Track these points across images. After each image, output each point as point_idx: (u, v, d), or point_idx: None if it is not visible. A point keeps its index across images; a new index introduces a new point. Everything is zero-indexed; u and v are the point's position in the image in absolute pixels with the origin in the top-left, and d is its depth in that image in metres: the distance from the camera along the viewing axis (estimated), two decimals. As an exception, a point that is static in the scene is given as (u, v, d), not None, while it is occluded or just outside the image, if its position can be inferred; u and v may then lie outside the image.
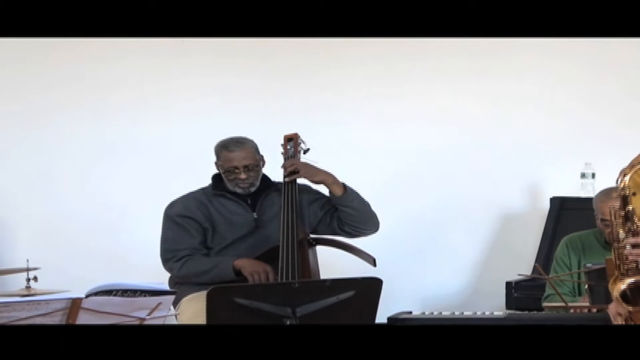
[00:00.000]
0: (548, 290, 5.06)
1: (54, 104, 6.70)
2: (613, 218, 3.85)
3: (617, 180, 3.83)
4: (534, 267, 5.77)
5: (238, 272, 4.98)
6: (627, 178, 3.77)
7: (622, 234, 3.82)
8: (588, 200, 5.45)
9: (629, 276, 3.80)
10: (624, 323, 3.85)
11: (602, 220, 4.86)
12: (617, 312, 3.89)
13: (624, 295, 3.78)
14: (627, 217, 3.79)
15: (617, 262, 3.84)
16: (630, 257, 3.80)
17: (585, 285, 4.79)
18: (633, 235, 3.80)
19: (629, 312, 3.82)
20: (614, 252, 3.86)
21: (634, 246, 3.78)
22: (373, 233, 5.24)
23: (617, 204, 3.83)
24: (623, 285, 3.78)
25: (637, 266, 3.80)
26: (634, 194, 3.79)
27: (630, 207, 3.78)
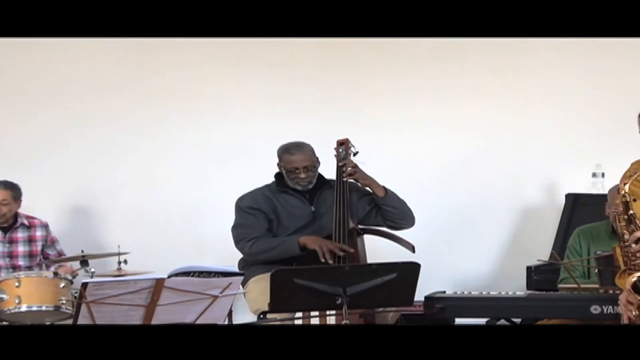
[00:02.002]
0: (562, 274, 5.01)
1: (143, 109, 6.73)
2: (617, 222, 3.79)
3: (618, 190, 3.76)
4: (551, 253, 5.70)
5: (302, 248, 4.99)
6: (626, 187, 3.71)
7: (627, 235, 3.75)
8: (598, 196, 5.39)
9: (636, 270, 3.70)
10: (635, 312, 3.74)
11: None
12: (627, 301, 3.77)
13: (635, 287, 3.68)
14: (630, 221, 3.73)
15: (624, 259, 3.76)
16: (638, 254, 3.71)
17: (595, 270, 4.73)
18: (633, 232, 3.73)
19: None
20: (621, 251, 3.78)
21: (637, 242, 3.71)
22: (410, 227, 5.24)
23: (620, 209, 3.76)
24: (634, 278, 3.68)
25: None
26: (634, 200, 3.73)
27: (631, 212, 3.71)
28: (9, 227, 5.98)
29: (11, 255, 5.96)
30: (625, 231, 3.74)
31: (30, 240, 6.03)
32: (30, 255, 6.01)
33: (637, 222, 3.71)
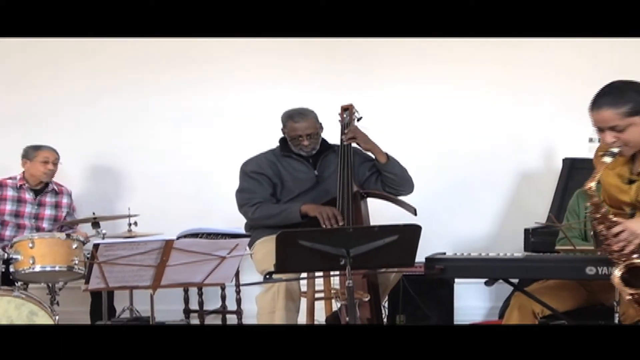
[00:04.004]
0: (560, 235, 5.01)
1: (152, 76, 6.76)
2: (592, 220, 3.67)
3: (586, 191, 3.61)
4: (548, 216, 5.73)
5: (304, 216, 4.98)
6: (593, 184, 3.57)
7: (604, 230, 3.60)
8: (595, 160, 5.38)
9: (621, 262, 3.56)
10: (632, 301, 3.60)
11: None
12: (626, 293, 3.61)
13: (624, 280, 3.54)
14: (604, 218, 3.59)
15: (608, 255, 3.64)
16: (615, 247, 3.57)
17: (590, 232, 4.73)
18: (610, 229, 3.57)
19: (632, 294, 3.56)
20: (602, 246, 3.67)
21: (615, 236, 3.56)
22: (409, 193, 5.23)
23: (592, 210, 3.63)
24: (619, 271, 3.54)
25: (623, 250, 3.56)
26: (603, 201, 3.64)
27: (604, 210, 3.59)
28: (40, 190, 6.05)
29: (37, 217, 6.02)
30: (601, 226, 3.60)
31: (57, 206, 6.11)
32: (55, 220, 6.08)
33: (611, 219, 3.58)
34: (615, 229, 3.55)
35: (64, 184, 6.26)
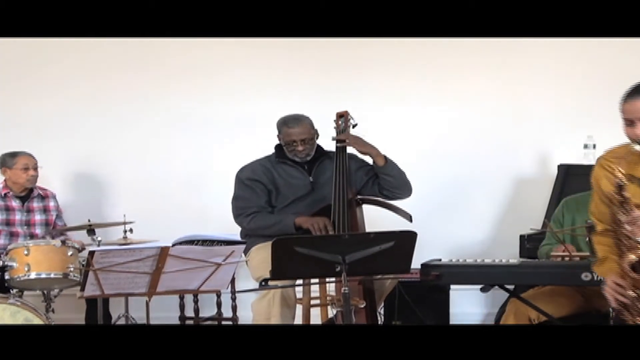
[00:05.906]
0: (545, 241, 5.01)
1: (148, 81, 6.73)
2: (611, 203, 3.58)
3: (612, 172, 3.56)
4: (543, 222, 5.70)
5: (298, 228, 4.98)
6: (621, 168, 3.51)
7: (621, 216, 3.51)
8: (590, 167, 5.34)
9: (632, 252, 3.49)
10: (628, 293, 3.52)
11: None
12: (616, 284, 3.54)
13: (634, 267, 3.47)
14: (623, 203, 3.52)
15: (617, 242, 3.56)
16: (630, 235, 3.49)
17: (585, 238, 4.73)
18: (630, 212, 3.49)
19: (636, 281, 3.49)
20: (613, 234, 3.59)
21: (630, 224, 3.49)
22: (407, 197, 5.22)
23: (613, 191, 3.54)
24: (633, 257, 3.46)
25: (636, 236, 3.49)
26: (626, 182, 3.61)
27: (625, 194, 3.49)
28: (26, 196, 6.04)
29: (29, 224, 6.01)
30: (619, 212, 3.53)
31: (45, 210, 6.10)
32: (46, 224, 6.07)
33: (631, 204, 3.50)
34: (637, 212, 3.48)
35: (54, 189, 6.24)
